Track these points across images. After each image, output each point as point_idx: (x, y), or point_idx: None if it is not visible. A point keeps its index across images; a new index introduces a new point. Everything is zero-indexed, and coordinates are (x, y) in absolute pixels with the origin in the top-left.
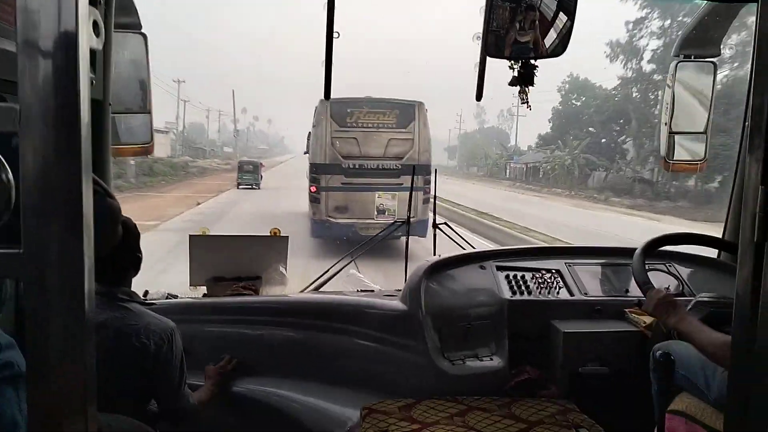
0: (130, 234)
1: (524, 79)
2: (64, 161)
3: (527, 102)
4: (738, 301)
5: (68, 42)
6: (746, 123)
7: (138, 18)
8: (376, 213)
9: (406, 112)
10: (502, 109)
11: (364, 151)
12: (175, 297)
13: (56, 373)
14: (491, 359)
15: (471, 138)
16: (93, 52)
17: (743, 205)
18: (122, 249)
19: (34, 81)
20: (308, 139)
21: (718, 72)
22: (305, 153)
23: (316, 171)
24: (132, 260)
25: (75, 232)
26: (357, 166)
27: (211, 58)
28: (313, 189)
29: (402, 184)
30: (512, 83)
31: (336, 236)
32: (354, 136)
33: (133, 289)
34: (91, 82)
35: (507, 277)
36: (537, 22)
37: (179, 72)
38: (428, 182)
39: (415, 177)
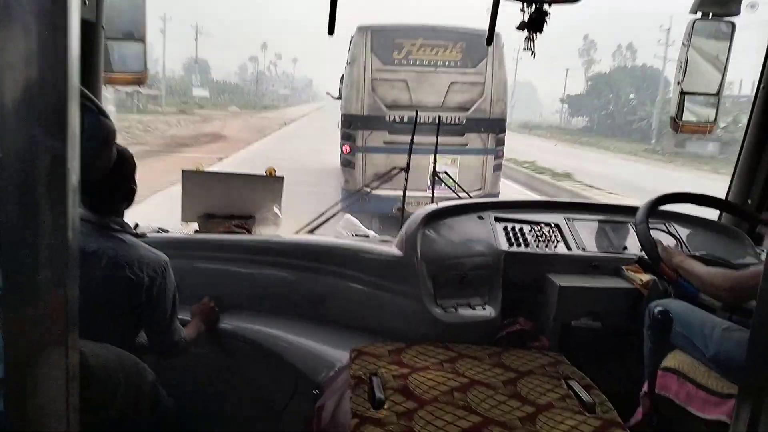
0: (126, 163)
1: (533, 25)
2: (47, 64)
3: (532, 50)
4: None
5: None
6: (761, 85)
7: None
8: (429, 183)
9: (476, 46)
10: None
11: (417, 99)
12: (166, 231)
13: (35, 298)
14: (484, 309)
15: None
16: None
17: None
18: (116, 178)
19: None
20: (341, 82)
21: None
22: (337, 98)
23: (351, 125)
24: (126, 191)
25: (59, 143)
26: (406, 120)
27: None
28: (346, 149)
29: (467, 144)
30: (520, 27)
31: (374, 212)
32: (403, 78)
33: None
34: (84, 2)
35: (505, 228)
36: None
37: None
38: (501, 143)
39: (485, 135)
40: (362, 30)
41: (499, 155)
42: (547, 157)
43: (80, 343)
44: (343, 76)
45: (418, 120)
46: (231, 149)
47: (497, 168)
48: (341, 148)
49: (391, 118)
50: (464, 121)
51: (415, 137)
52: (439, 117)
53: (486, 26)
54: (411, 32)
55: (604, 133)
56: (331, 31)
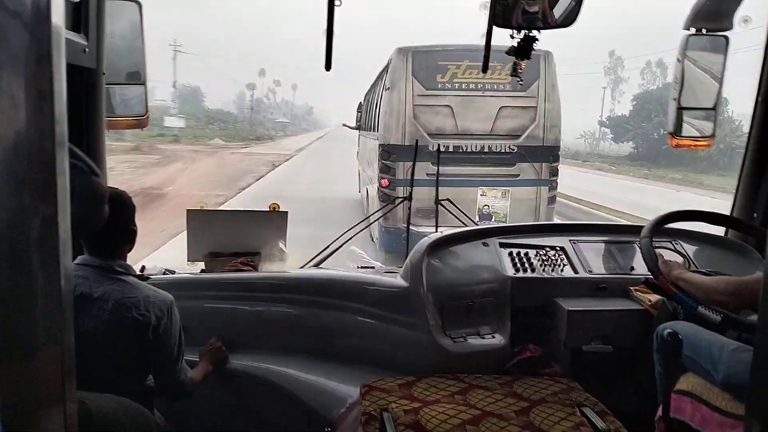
0: (124, 206)
1: (521, 52)
2: (35, 128)
3: (519, 75)
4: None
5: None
6: (759, 97)
7: None
8: (478, 218)
9: (527, 67)
10: None
11: (463, 126)
12: (173, 272)
13: (31, 354)
14: (493, 337)
15: None
16: (86, 21)
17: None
18: (115, 222)
19: (3, 40)
20: (359, 110)
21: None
22: (355, 128)
23: (390, 156)
24: (126, 233)
25: (49, 204)
26: (451, 149)
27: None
28: (385, 182)
29: (518, 175)
30: (509, 52)
31: None
32: (447, 104)
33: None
34: (84, 50)
35: (510, 254)
36: None
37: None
38: (555, 173)
39: (538, 164)
40: (402, 52)
41: (553, 186)
42: (602, 191)
43: (83, 394)
44: (360, 104)
45: (464, 149)
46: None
47: (551, 201)
48: (379, 181)
49: (436, 147)
50: (515, 150)
51: (460, 168)
52: (488, 146)
53: (508, 43)
54: (455, 53)
55: (655, 160)
56: (328, 66)
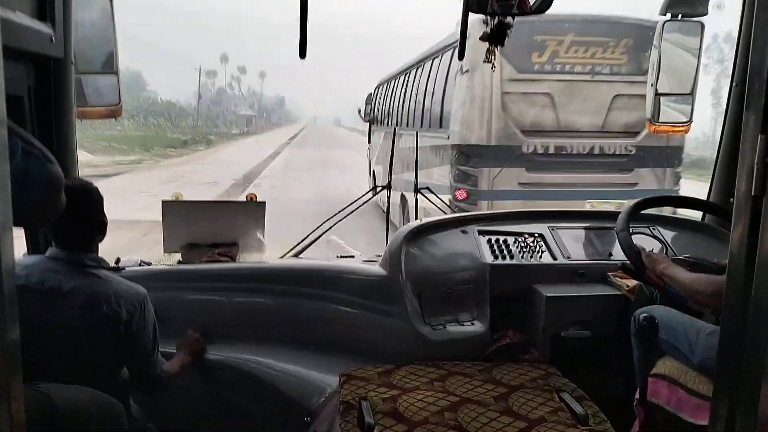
0: (91, 197)
1: (495, 38)
2: None
3: (492, 61)
4: (732, 257)
5: None
6: (734, 78)
7: None
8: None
9: (648, 43)
10: None
11: (567, 121)
12: (149, 264)
13: None
14: (472, 324)
15: None
16: (52, 10)
17: (740, 157)
18: (83, 213)
19: None
20: (367, 102)
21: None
22: (367, 121)
23: (469, 160)
24: (97, 225)
25: None
26: (552, 151)
27: None
28: (462, 195)
29: (636, 184)
30: (482, 38)
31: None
32: (546, 91)
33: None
34: (50, 39)
35: (489, 241)
36: None
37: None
38: (678, 180)
39: (660, 171)
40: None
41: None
42: None
43: (47, 386)
44: (369, 96)
45: (568, 150)
46: None
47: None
48: (453, 194)
49: (531, 149)
50: (633, 151)
51: (563, 175)
52: (598, 147)
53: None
54: (557, 25)
55: None
56: (302, 54)
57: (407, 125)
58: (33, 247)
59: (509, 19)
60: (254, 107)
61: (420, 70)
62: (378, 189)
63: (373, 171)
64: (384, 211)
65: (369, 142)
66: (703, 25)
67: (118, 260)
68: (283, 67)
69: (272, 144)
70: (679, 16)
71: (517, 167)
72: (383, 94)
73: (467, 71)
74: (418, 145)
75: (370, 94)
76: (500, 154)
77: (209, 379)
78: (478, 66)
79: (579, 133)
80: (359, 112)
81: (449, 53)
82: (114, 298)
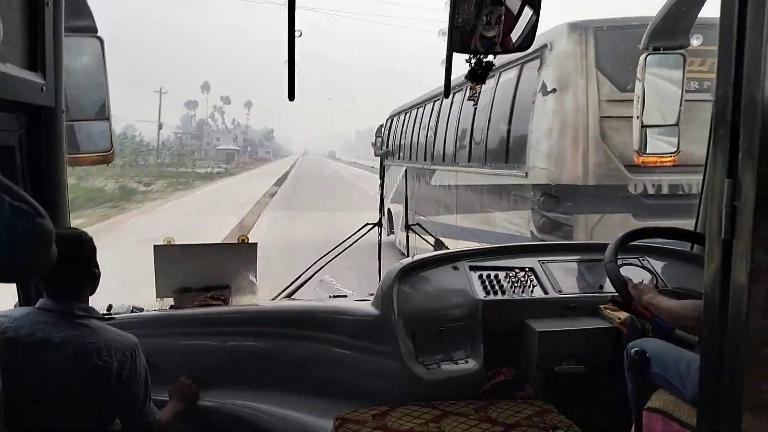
0: (83, 248)
1: (477, 77)
2: None
3: (475, 99)
4: (707, 297)
5: None
6: (715, 112)
7: (93, 20)
8: None
9: None
10: None
11: (684, 152)
12: (141, 310)
13: None
14: (466, 362)
15: None
16: (42, 60)
17: (709, 200)
18: (75, 264)
19: None
20: (378, 135)
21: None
22: (382, 154)
23: (558, 205)
24: (87, 276)
25: None
26: (666, 191)
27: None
28: None
29: None
30: (468, 77)
31: None
32: None
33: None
34: (41, 89)
35: (480, 276)
36: (503, 17)
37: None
38: None
39: None
40: (578, 30)
41: None
42: None
43: None
44: (380, 128)
45: (685, 190)
46: None
47: None
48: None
49: (639, 189)
50: None
51: (681, 221)
52: None
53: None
54: None
55: None
56: (291, 97)
57: (444, 160)
58: (24, 298)
59: (491, 57)
60: (237, 140)
61: (463, 94)
62: (369, 226)
63: (389, 210)
64: (401, 253)
65: (381, 178)
66: (684, 57)
67: (110, 307)
68: (274, 96)
69: (245, 195)
70: (661, 48)
71: (622, 213)
72: (400, 126)
73: (553, 90)
74: (464, 184)
75: (381, 126)
76: (600, 196)
77: (203, 426)
78: (570, 84)
79: (700, 168)
80: (374, 144)
81: (514, 71)
82: (104, 349)
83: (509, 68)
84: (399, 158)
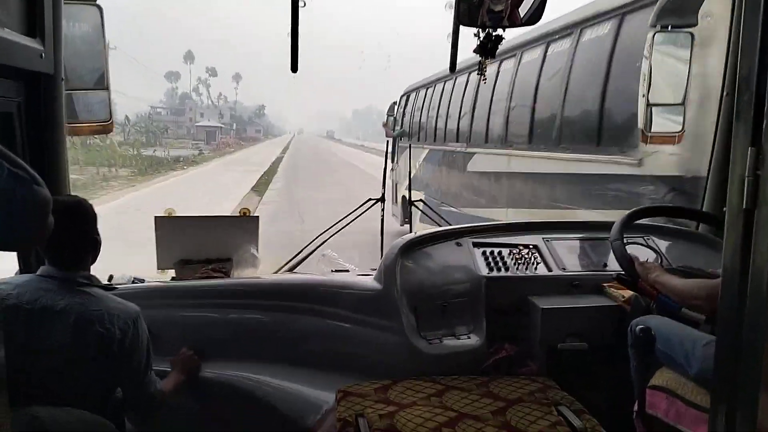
0: (84, 215)
1: (487, 51)
2: None
3: (483, 74)
4: (725, 269)
5: None
6: (724, 88)
7: None
8: None
9: None
10: None
11: None
12: (142, 281)
13: None
14: (469, 337)
15: None
16: (41, 26)
17: (731, 169)
18: (76, 231)
19: None
20: (390, 112)
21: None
22: (397, 136)
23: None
24: (88, 243)
25: None
26: None
27: None
28: None
29: None
30: (476, 51)
31: None
32: None
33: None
34: (40, 56)
35: (484, 253)
36: None
37: None
38: None
39: None
40: None
41: None
42: None
43: (36, 409)
44: (392, 105)
45: None
46: None
47: None
48: None
49: None
50: None
51: None
52: None
53: None
54: None
55: None
56: (294, 68)
57: (486, 142)
58: (25, 266)
59: (500, 31)
60: (224, 117)
61: (516, 61)
62: (372, 201)
63: (404, 198)
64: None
65: (391, 161)
66: (693, 36)
67: (110, 278)
68: (265, 68)
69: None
70: (669, 27)
71: None
72: (420, 103)
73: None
74: (521, 171)
75: (394, 104)
76: None
77: (204, 398)
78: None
79: None
80: (385, 124)
81: (608, 25)
82: (107, 317)
83: (594, 24)
84: (419, 139)
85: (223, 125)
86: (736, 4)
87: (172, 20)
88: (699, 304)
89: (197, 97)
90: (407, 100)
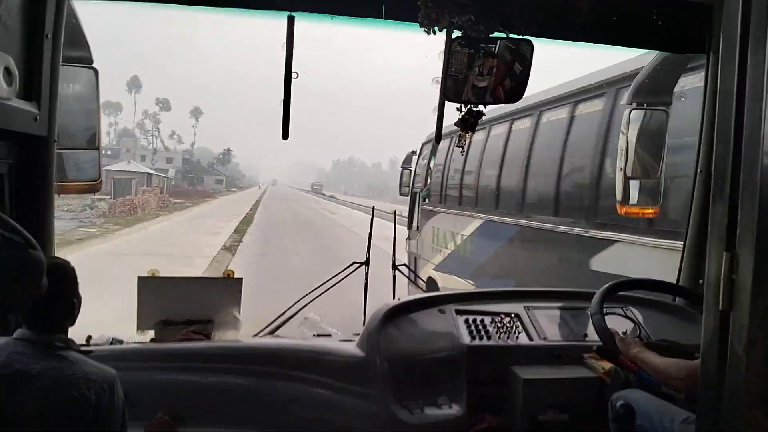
0: (65, 278)
1: (467, 125)
2: None
3: (462, 146)
4: (704, 367)
5: None
6: (698, 165)
7: (89, 52)
8: None
9: None
10: None
11: None
12: (120, 342)
13: None
14: (450, 407)
15: None
16: (38, 90)
17: (707, 272)
18: (56, 294)
19: None
20: (406, 165)
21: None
22: (423, 193)
23: None
24: (66, 306)
25: None
26: None
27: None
28: None
29: None
30: (457, 125)
31: None
32: None
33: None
34: (35, 119)
35: (466, 321)
36: (495, 68)
37: None
38: None
39: None
40: None
41: None
42: None
43: None
44: (409, 156)
45: None
46: None
47: None
48: None
49: None
50: None
51: None
52: None
53: None
54: None
55: None
56: (285, 135)
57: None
58: (2, 328)
59: (481, 107)
60: (174, 161)
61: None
62: (356, 265)
63: (430, 279)
64: None
65: (409, 227)
66: (667, 113)
67: (89, 338)
68: (237, 105)
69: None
70: (645, 104)
71: None
72: (464, 153)
73: None
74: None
75: (412, 154)
76: None
77: None
78: None
79: None
80: (403, 184)
81: None
82: (82, 381)
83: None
84: (461, 203)
85: (155, 172)
86: (708, 88)
87: (116, 39)
88: (678, 385)
89: (142, 135)
90: (432, 150)
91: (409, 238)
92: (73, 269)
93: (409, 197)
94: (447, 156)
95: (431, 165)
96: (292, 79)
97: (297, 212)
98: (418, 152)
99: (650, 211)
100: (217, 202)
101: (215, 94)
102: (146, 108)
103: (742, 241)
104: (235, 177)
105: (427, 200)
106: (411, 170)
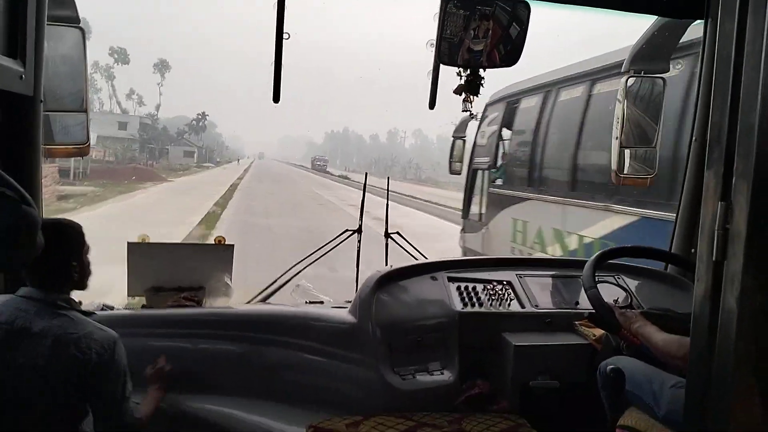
0: (70, 239)
1: (470, 88)
2: None
3: (470, 111)
4: (695, 320)
5: None
6: (693, 136)
7: (76, 11)
8: None
9: None
10: None
11: None
12: (111, 308)
13: None
14: (442, 373)
15: None
16: (23, 47)
17: (701, 222)
18: (59, 255)
19: None
20: (459, 133)
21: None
22: (495, 172)
23: None
24: (73, 267)
25: None
26: None
27: None
28: None
29: None
30: (457, 91)
31: None
32: None
33: None
34: (20, 77)
35: (458, 288)
36: (490, 31)
37: None
38: None
39: None
40: None
41: None
42: None
43: None
44: (464, 122)
45: None
46: None
47: None
48: None
49: None
50: None
51: None
52: None
53: None
54: None
55: None
56: (276, 98)
57: None
58: (7, 285)
59: (481, 70)
60: (130, 126)
61: None
62: (349, 232)
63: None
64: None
65: (465, 215)
66: (664, 81)
67: (79, 303)
68: (212, 53)
69: None
70: (642, 72)
71: None
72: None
73: None
74: None
75: (471, 117)
76: None
77: (170, 430)
78: None
79: None
80: (452, 159)
81: None
82: (84, 341)
83: None
84: (562, 188)
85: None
86: (705, 54)
87: None
88: (678, 363)
89: (94, 94)
90: (507, 113)
91: (464, 230)
92: (79, 230)
93: (467, 176)
94: (540, 119)
95: (503, 133)
96: (284, 40)
97: (300, 214)
98: (479, 116)
99: (645, 180)
100: (155, 189)
101: (193, 47)
102: (97, 59)
103: (737, 191)
104: (214, 149)
105: (499, 181)
106: (464, 140)
